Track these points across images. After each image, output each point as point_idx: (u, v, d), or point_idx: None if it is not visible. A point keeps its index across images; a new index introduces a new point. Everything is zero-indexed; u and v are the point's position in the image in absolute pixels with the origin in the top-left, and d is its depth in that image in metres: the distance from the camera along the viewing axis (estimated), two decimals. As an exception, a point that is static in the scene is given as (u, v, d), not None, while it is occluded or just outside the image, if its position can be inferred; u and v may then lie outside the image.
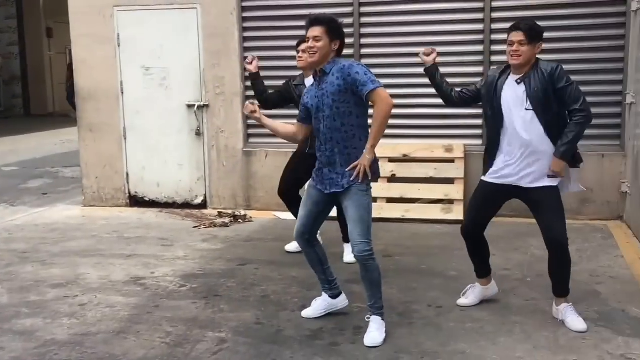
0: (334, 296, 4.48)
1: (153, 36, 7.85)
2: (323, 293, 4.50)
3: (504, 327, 4.25)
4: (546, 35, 6.87)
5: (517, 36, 4.14)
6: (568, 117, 4.11)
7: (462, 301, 4.66)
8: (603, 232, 6.49)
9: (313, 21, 4.05)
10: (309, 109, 4.19)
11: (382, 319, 4.15)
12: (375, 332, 4.08)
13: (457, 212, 7.03)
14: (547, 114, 4.09)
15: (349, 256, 5.58)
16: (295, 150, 5.94)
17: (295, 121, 4.38)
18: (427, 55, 4.50)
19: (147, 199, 8.16)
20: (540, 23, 6.80)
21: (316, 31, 4.00)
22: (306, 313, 4.49)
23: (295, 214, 5.97)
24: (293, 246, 6.03)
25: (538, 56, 4.24)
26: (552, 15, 6.96)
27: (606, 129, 6.96)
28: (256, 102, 4.47)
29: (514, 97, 4.16)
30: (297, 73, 5.95)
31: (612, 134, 6.96)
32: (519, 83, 4.16)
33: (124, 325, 4.44)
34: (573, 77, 7.16)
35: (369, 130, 4.02)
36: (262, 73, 7.59)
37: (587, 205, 6.97)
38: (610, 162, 6.91)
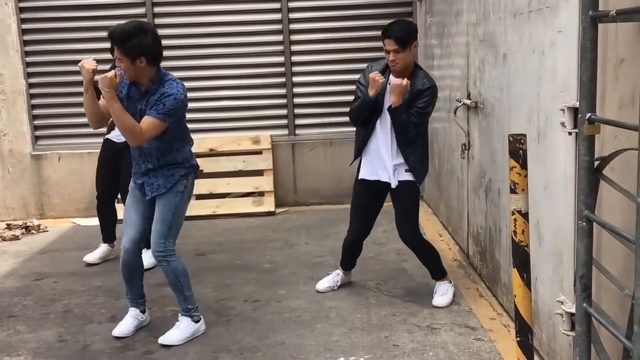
0: (144, 311, 4.24)
1: None
2: (133, 309, 4.16)
3: (321, 314, 4.28)
4: (340, 24, 7.15)
5: (389, 45, 4.03)
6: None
7: (320, 286, 4.67)
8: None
9: (109, 37, 3.70)
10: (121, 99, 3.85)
11: (193, 320, 4.01)
12: (173, 330, 3.96)
13: (268, 204, 7.00)
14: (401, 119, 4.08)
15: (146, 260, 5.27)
16: (101, 147, 5.50)
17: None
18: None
19: None
20: (333, 12, 7.10)
21: (117, 52, 3.68)
22: (118, 331, 4.09)
23: (104, 221, 5.52)
24: (93, 256, 5.59)
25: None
26: (344, 5, 7.13)
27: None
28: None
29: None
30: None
31: (409, 118, 7.29)
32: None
33: None
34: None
35: (183, 132, 3.93)
36: (49, 69, 7.04)
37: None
38: (409, 145, 7.23)
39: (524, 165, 2.69)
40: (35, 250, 6.07)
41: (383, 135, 4.18)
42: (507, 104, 3.91)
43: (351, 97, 4.35)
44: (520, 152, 2.68)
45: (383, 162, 4.20)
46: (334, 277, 4.70)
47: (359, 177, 4.32)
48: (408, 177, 4.20)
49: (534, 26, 3.39)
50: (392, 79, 4.05)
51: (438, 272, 4.44)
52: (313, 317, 4.23)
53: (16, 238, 6.50)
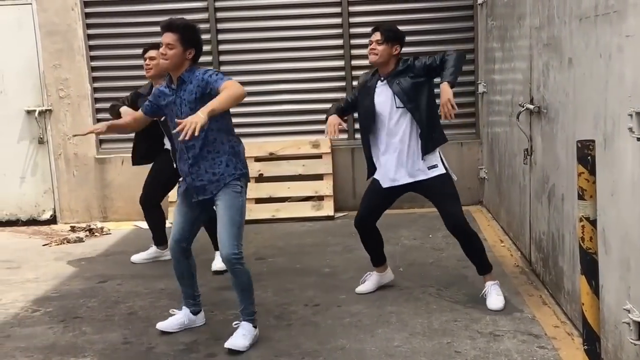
0: (195, 312, 4.30)
1: (-19, 36, 7.22)
2: (184, 307, 4.28)
3: (381, 318, 4.26)
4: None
5: (375, 36, 4.33)
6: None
7: (360, 288, 4.73)
8: (466, 217, 6.69)
9: (165, 27, 3.88)
10: (160, 109, 4.07)
11: (254, 326, 4.00)
12: (239, 337, 3.92)
13: (328, 208, 7.02)
14: (417, 109, 4.26)
15: (218, 264, 5.36)
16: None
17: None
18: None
19: (-15, 218, 7.49)
20: (394, 17, 7.11)
21: (169, 38, 3.83)
22: (162, 325, 4.24)
23: (152, 225, 5.64)
24: (139, 257, 5.74)
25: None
26: (405, 9, 7.14)
27: (463, 117, 7.21)
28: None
29: (384, 98, 4.32)
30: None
31: (468, 122, 7.24)
32: (382, 82, 4.34)
33: (-30, 360, 3.98)
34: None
35: (228, 126, 3.96)
36: (113, 74, 7.25)
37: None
38: (469, 149, 7.17)
39: (592, 172, 2.64)
40: (99, 253, 6.22)
41: (390, 140, 4.35)
42: (572, 109, 3.83)
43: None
44: (589, 157, 2.63)
45: (396, 166, 4.36)
46: (371, 278, 4.76)
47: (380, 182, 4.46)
48: (433, 173, 4.34)
49: (600, 31, 3.32)
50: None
51: (484, 265, 4.41)
52: (373, 321, 4.22)
53: (80, 240, 6.68)
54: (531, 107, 4.64)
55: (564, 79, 3.97)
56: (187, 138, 3.45)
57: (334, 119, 4.41)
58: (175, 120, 3.75)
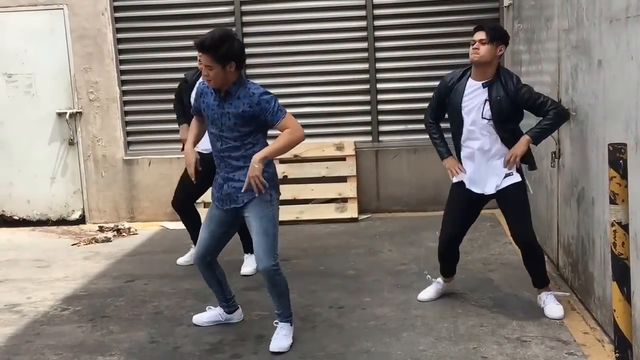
0: (230, 312, 4.36)
1: (15, 40, 7.33)
2: (219, 307, 4.37)
3: (406, 322, 4.24)
4: (425, 31, 7.13)
5: (479, 35, 4.18)
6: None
7: (421, 296, 4.64)
8: (491, 221, 6.65)
9: (198, 48, 3.79)
10: (203, 111, 3.98)
11: (291, 325, 4.05)
12: (282, 338, 3.96)
13: (352, 210, 7.01)
14: (504, 125, 4.14)
15: (246, 268, 5.38)
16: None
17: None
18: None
19: (16, 217, 7.60)
20: (419, 19, 7.09)
21: (205, 59, 3.73)
22: (197, 319, 4.36)
23: (190, 227, 5.64)
24: (184, 259, 5.74)
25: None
26: (430, 12, 7.10)
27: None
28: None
29: (475, 103, 4.18)
30: (178, 75, 5.61)
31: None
32: (484, 87, 4.17)
33: (0, 358, 4.02)
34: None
35: (270, 143, 3.93)
36: (142, 77, 7.33)
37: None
38: (494, 152, 7.10)
39: (624, 176, 2.61)
40: (126, 253, 6.28)
41: (474, 144, 4.23)
42: (602, 111, 3.79)
43: None
44: (621, 161, 2.61)
45: (479, 172, 4.25)
46: (436, 286, 4.63)
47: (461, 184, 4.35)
48: (510, 180, 4.20)
49: (632, 32, 3.27)
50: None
51: (544, 278, 4.32)
52: (399, 325, 4.20)
53: (108, 240, 6.75)
54: (559, 109, 4.59)
55: (593, 81, 3.93)
56: (260, 191, 3.76)
57: (452, 161, 4.31)
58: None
